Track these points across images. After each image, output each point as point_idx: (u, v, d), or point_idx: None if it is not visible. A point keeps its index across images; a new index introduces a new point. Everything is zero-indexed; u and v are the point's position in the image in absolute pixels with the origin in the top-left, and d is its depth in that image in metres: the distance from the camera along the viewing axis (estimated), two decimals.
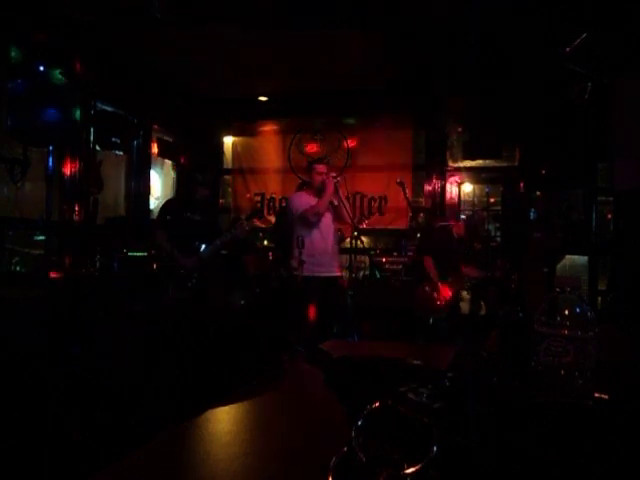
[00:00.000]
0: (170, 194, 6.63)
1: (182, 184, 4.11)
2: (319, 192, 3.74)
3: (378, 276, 4.48)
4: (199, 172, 4.23)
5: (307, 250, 3.71)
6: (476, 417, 0.64)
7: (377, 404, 0.59)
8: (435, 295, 4.17)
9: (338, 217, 3.85)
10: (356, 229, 4.10)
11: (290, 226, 3.92)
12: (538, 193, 5.89)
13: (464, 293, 6.36)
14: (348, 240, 5.22)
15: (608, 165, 4.73)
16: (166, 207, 4.03)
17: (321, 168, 3.80)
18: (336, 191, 3.68)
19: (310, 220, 3.72)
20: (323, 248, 3.77)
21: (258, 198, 6.80)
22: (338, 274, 3.91)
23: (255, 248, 5.29)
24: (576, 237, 5.39)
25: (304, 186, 4.37)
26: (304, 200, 3.80)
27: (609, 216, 5.40)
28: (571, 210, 5.63)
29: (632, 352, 1.32)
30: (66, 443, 2.18)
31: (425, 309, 4.23)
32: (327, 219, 3.82)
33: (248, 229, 3.99)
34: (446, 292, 4.17)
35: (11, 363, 2.93)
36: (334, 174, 3.76)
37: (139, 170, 5.96)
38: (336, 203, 3.78)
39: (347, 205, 3.85)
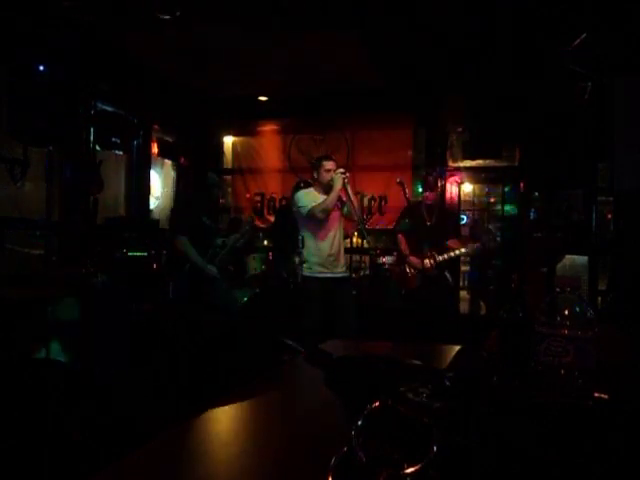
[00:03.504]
0: (170, 194, 6.63)
1: (198, 187, 4.07)
2: (327, 189, 3.65)
3: (382, 277, 4.49)
4: (214, 172, 4.19)
5: (312, 250, 3.65)
6: (476, 417, 0.64)
7: (377, 404, 0.59)
8: (404, 268, 4.40)
9: (346, 214, 3.77)
10: (363, 228, 4.04)
11: (294, 225, 3.88)
12: (538, 193, 5.90)
13: (464, 293, 6.37)
14: (348, 240, 5.21)
15: (608, 165, 4.73)
16: (186, 211, 4.00)
17: (330, 164, 3.70)
18: (345, 187, 3.59)
19: (318, 217, 3.62)
20: (329, 247, 3.70)
21: (258, 198, 6.80)
22: (344, 274, 3.84)
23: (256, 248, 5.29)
24: (576, 237, 5.39)
25: (302, 185, 4.35)
26: (312, 197, 3.70)
27: (609, 216, 5.40)
28: (571, 210, 5.63)
29: (632, 352, 1.32)
30: (66, 443, 2.18)
31: (399, 282, 4.49)
32: (334, 217, 3.73)
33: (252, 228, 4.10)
34: (416, 264, 4.29)
35: (11, 363, 2.93)
36: (342, 170, 3.66)
37: (139, 170, 5.96)
38: (344, 199, 3.70)
39: (355, 201, 3.76)
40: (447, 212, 4.56)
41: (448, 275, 4.33)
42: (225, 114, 6.74)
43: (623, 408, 0.81)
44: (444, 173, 6.23)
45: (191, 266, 3.84)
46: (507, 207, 6.22)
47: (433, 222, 4.32)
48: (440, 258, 4.17)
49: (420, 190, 6.27)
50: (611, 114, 4.20)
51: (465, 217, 6.50)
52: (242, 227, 4.30)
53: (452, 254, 4.14)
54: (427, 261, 4.21)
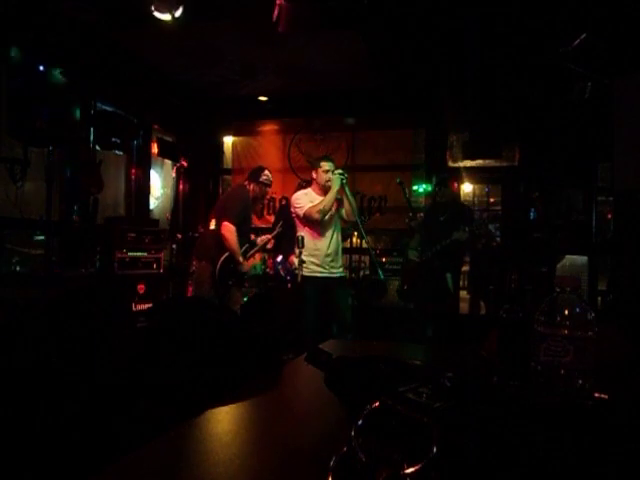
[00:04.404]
0: (170, 194, 6.63)
1: (255, 181, 4.09)
2: (326, 189, 3.66)
3: (382, 277, 4.48)
4: (268, 169, 4.20)
5: (309, 250, 3.67)
6: (476, 417, 0.64)
7: (377, 404, 0.59)
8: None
9: (343, 215, 3.77)
10: (361, 229, 4.05)
11: (293, 225, 3.89)
12: (538, 193, 5.89)
13: (464, 293, 6.36)
14: (348, 240, 5.21)
15: (608, 165, 4.73)
16: (242, 201, 4.00)
17: (328, 165, 3.72)
18: (343, 188, 3.60)
19: (315, 218, 3.63)
20: (326, 247, 3.70)
21: None
22: (342, 274, 3.85)
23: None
24: (576, 237, 5.39)
25: (304, 185, 4.36)
26: (310, 198, 3.72)
27: (609, 216, 5.40)
28: (571, 210, 5.63)
29: (632, 352, 1.32)
30: (66, 443, 2.18)
31: (402, 277, 4.80)
32: (332, 217, 3.73)
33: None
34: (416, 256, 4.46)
35: (10, 363, 2.93)
36: (340, 171, 3.67)
37: (139, 170, 5.96)
38: (343, 200, 3.72)
39: (353, 202, 3.77)
40: (462, 208, 4.63)
41: (449, 279, 4.31)
42: (225, 114, 6.74)
43: (623, 408, 0.81)
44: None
45: (228, 256, 3.85)
46: (507, 207, 6.22)
47: (445, 218, 4.38)
48: (437, 247, 4.21)
49: (420, 190, 6.29)
50: (611, 114, 4.19)
51: None
52: (273, 232, 4.38)
53: (443, 242, 4.19)
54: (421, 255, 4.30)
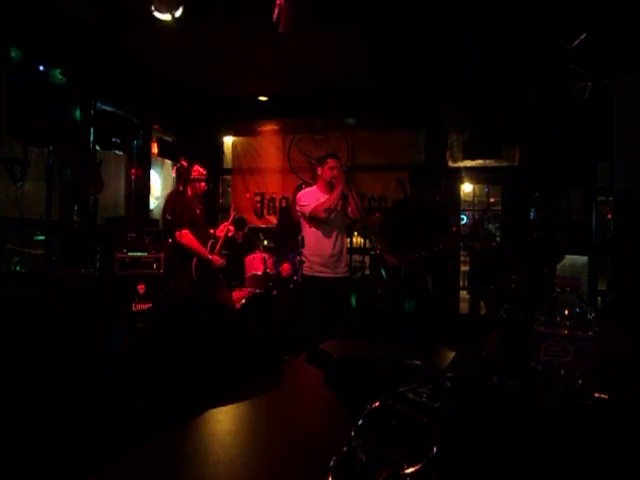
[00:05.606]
0: None
1: (188, 180, 4.16)
2: (330, 187, 3.64)
3: (384, 277, 4.43)
4: (199, 165, 4.24)
5: (314, 249, 3.65)
6: (476, 417, 0.63)
7: (377, 404, 0.59)
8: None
9: (351, 212, 3.73)
10: (365, 228, 4.00)
11: (296, 225, 3.87)
12: (538, 193, 5.89)
13: (464, 293, 6.36)
14: (348, 239, 5.21)
15: (608, 165, 4.73)
16: (184, 206, 4.01)
17: (333, 162, 3.69)
18: (348, 185, 3.58)
19: (321, 217, 3.61)
20: (331, 247, 3.68)
21: (258, 198, 6.80)
22: (345, 274, 3.82)
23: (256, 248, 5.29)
24: (576, 237, 5.39)
25: (305, 185, 4.35)
26: (315, 196, 3.69)
27: (609, 216, 5.40)
28: (571, 210, 5.63)
29: (632, 352, 1.32)
30: (66, 443, 2.18)
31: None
32: (337, 216, 3.72)
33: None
34: (391, 262, 3.98)
35: (11, 363, 2.93)
36: (344, 169, 3.67)
37: (139, 170, 5.96)
38: (348, 197, 3.68)
39: (357, 199, 3.73)
40: (438, 210, 4.29)
41: (430, 282, 4.09)
42: (225, 114, 6.74)
43: (623, 408, 0.81)
44: (445, 172, 6.22)
45: (198, 259, 3.88)
46: (507, 207, 6.22)
47: (418, 220, 4.01)
48: (415, 256, 3.86)
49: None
50: (611, 114, 4.19)
51: (465, 217, 6.51)
52: (229, 218, 4.40)
53: (433, 249, 3.85)
54: (402, 259, 3.95)
